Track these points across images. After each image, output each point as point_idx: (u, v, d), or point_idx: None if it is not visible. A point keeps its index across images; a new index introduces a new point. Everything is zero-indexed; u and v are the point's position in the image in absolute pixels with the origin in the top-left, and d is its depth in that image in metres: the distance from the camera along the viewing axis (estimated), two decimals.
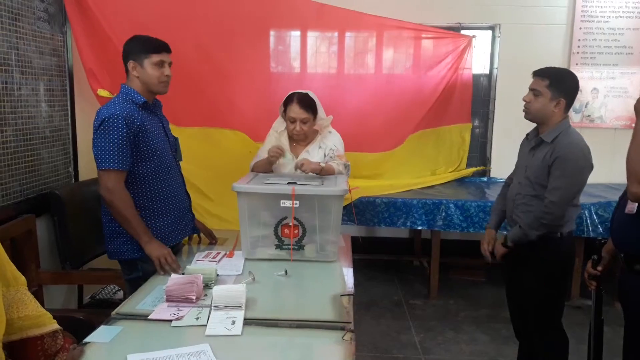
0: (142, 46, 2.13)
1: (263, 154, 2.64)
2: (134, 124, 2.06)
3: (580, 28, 4.29)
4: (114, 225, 2.15)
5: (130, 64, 2.12)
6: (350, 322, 1.62)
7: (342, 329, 1.58)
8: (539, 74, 2.27)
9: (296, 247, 2.20)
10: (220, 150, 3.51)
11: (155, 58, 2.12)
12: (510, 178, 2.55)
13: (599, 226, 3.52)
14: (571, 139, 2.20)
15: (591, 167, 2.21)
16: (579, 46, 4.30)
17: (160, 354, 1.39)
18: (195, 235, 2.50)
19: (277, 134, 2.68)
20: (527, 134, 2.42)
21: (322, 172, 2.47)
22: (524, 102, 2.30)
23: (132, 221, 2.06)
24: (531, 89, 2.28)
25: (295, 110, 2.53)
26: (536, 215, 2.23)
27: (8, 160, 2.50)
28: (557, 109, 2.23)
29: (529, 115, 2.31)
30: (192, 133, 3.39)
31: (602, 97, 4.34)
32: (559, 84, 2.21)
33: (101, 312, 1.98)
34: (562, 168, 2.16)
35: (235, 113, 3.57)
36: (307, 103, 2.55)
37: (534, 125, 2.36)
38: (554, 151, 2.19)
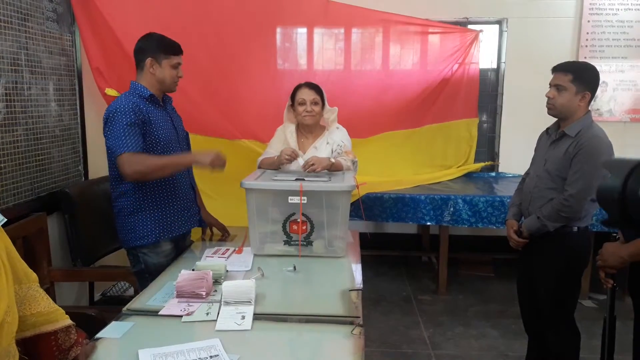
0: (162, 46, 2.21)
1: (271, 150, 2.65)
2: (140, 113, 2.13)
3: (589, 21, 4.25)
4: (121, 215, 2.23)
5: (149, 61, 2.19)
6: (359, 317, 1.63)
7: (351, 323, 1.59)
8: (560, 69, 2.25)
9: (304, 243, 2.21)
10: (232, 158, 3.49)
11: (174, 60, 2.22)
12: (527, 173, 2.53)
13: None
14: (595, 133, 2.19)
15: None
16: (587, 39, 4.27)
17: (171, 349, 1.41)
18: (207, 229, 2.53)
19: (286, 128, 2.69)
20: (547, 128, 2.41)
21: (332, 168, 2.48)
22: (547, 98, 2.27)
23: (168, 163, 2.12)
24: (554, 85, 2.25)
25: (305, 92, 2.59)
26: (555, 207, 2.22)
27: (19, 159, 2.54)
28: (583, 102, 2.22)
29: (553, 111, 2.27)
30: (200, 141, 3.38)
31: (611, 90, 4.30)
32: (582, 78, 2.20)
33: (112, 308, 2.00)
34: (584, 161, 2.15)
35: (243, 115, 3.57)
36: (315, 86, 2.62)
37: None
38: (577, 144, 2.18)
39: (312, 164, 2.43)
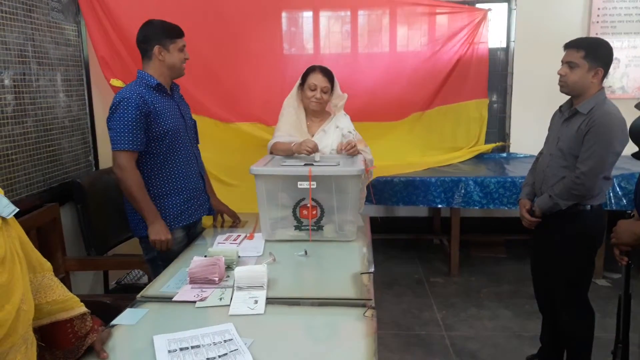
0: (166, 31, 2.20)
1: (280, 133, 2.62)
2: (145, 106, 2.12)
3: None
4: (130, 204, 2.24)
5: (157, 48, 2.19)
6: (371, 299, 1.64)
7: (363, 306, 1.59)
8: (572, 45, 2.21)
9: (315, 227, 2.21)
10: (237, 142, 3.52)
11: (180, 43, 2.23)
12: (541, 152, 2.51)
13: (623, 198, 3.47)
14: (607, 110, 2.15)
15: (626, 140, 2.16)
16: (598, 15, 4.18)
17: (185, 334, 1.42)
18: (219, 216, 2.55)
19: (294, 111, 2.66)
20: (561, 106, 2.37)
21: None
22: (559, 76, 2.24)
23: (141, 201, 2.14)
24: (566, 62, 2.21)
25: (319, 78, 2.56)
26: (567, 185, 2.20)
27: (30, 150, 2.55)
28: (595, 79, 2.18)
29: (566, 88, 2.24)
30: (209, 123, 3.40)
31: (624, 66, 4.23)
32: (595, 54, 2.16)
33: (127, 296, 2.02)
34: (595, 138, 2.12)
35: (250, 101, 3.58)
36: (329, 74, 2.60)
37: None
38: (589, 121, 2.15)
39: (354, 145, 2.45)
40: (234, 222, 2.53)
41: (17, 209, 1.13)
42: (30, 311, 1.15)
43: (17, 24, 2.47)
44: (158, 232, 2.15)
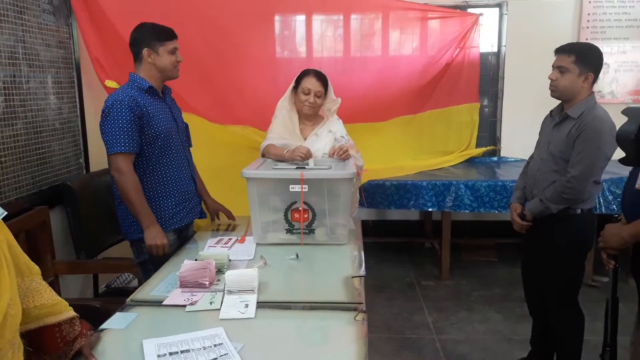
0: (156, 34, 2.20)
1: (273, 135, 2.61)
2: (138, 108, 2.12)
3: (590, 2, 4.20)
4: (123, 207, 2.22)
5: (146, 51, 2.18)
6: (362, 303, 1.63)
7: (354, 309, 1.59)
8: (563, 50, 2.23)
9: (306, 231, 2.21)
10: (229, 144, 3.51)
11: (170, 45, 2.21)
12: (531, 156, 2.53)
13: (613, 202, 3.50)
14: (597, 115, 2.17)
15: (616, 144, 2.18)
16: (588, 20, 4.23)
17: (175, 338, 1.41)
18: (215, 217, 2.56)
19: (287, 113, 2.65)
20: (551, 111, 2.39)
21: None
22: (550, 81, 2.26)
23: (137, 204, 2.13)
24: (556, 67, 2.24)
25: (313, 82, 2.55)
26: (557, 189, 2.21)
27: (20, 153, 2.53)
28: (586, 84, 2.20)
29: (556, 93, 2.26)
30: (201, 122, 3.39)
31: (613, 71, 4.27)
32: (585, 59, 2.18)
33: (117, 300, 2.00)
34: (586, 143, 2.14)
35: (242, 104, 3.57)
36: (323, 78, 2.59)
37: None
38: (580, 126, 2.16)
39: (346, 150, 2.46)
40: (229, 225, 2.53)
41: (6, 212, 1.13)
42: (17, 316, 1.14)
43: (8, 26, 2.45)
44: (154, 236, 2.13)
